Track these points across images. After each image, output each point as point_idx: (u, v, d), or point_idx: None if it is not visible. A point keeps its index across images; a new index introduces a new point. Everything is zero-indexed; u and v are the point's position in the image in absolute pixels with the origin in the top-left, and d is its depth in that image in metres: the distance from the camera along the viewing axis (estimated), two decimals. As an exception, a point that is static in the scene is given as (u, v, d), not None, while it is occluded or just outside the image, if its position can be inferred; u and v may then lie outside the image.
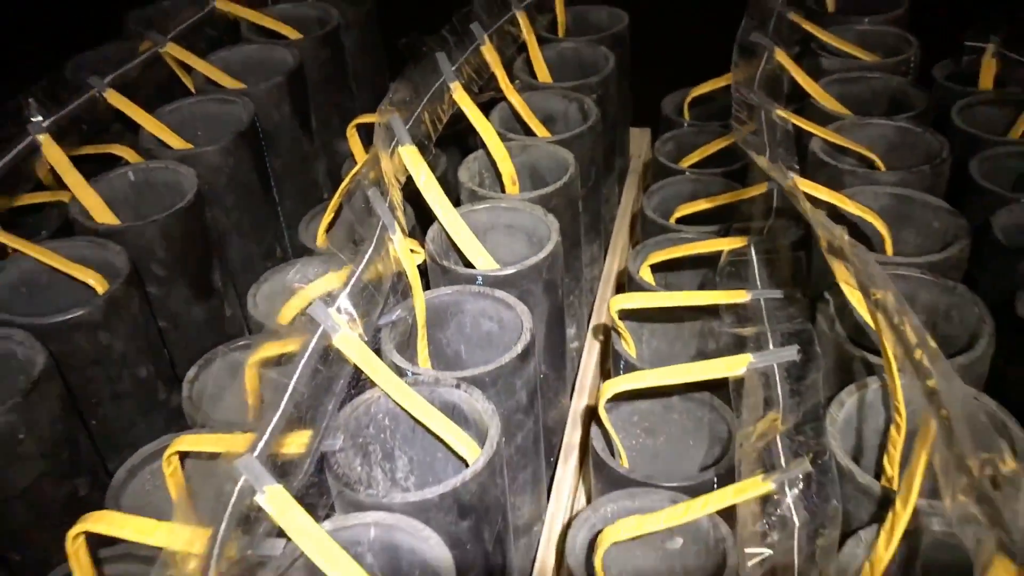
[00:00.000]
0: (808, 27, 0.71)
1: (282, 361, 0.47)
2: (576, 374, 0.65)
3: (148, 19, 0.79)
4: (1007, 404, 0.44)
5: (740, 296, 0.51)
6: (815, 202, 0.51)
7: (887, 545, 0.34)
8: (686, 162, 0.73)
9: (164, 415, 0.57)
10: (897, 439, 0.40)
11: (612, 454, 0.50)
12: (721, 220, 0.64)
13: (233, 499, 0.37)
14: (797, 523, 0.37)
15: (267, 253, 0.69)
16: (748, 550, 0.38)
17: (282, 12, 0.79)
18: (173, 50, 0.71)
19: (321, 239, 0.64)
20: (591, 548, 0.45)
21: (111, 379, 0.54)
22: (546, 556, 0.53)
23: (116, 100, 0.65)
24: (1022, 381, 0.53)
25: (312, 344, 0.43)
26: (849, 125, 0.62)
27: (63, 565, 0.42)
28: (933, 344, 0.34)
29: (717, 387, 0.51)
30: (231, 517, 0.36)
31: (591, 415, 0.53)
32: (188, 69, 0.72)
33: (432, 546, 0.39)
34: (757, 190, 0.61)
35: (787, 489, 0.39)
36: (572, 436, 0.61)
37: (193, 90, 0.72)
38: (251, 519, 0.37)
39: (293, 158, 0.72)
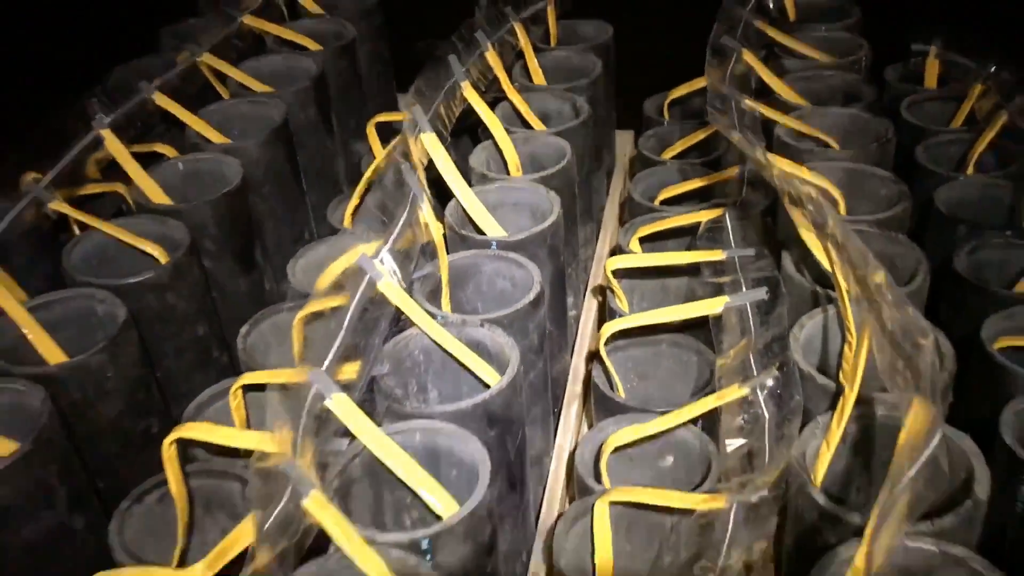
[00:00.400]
0: (772, 33, 0.80)
1: (328, 314, 0.56)
2: (575, 336, 0.74)
3: (180, 34, 0.88)
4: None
5: (718, 255, 0.60)
6: (779, 173, 0.60)
7: (838, 424, 0.43)
8: (667, 154, 0.82)
9: (216, 371, 0.65)
10: (849, 354, 0.49)
11: (611, 389, 0.59)
12: (699, 201, 0.73)
13: (307, 404, 0.45)
14: (767, 417, 0.46)
15: (297, 237, 0.77)
16: (728, 441, 0.47)
17: (303, 27, 0.88)
18: (209, 59, 0.79)
19: (348, 220, 0.73)
20: (596, 460, 0.53)
21: (174, 335, 0.62)
22: (555, 480, 0.62)
23: (163, 102, 0.73)
24: (958, 329, 0.61)
25: (361, 288, 0.51)
26: (808, 113, 0.71)
27: (155, 476, 0.50)
28: (872, 258, 0.42)
29: (702, 332, 0.60)
30: (307, 418, 0.44)
31: (592, 359, 0.62)
32: (221, 77, 0.81)
33: (470, 445, 0.47)
34: (731, 173, 0.71)
35: (759, 392, 0.47)
36: (574, 386, 0.69)
37: (225, 95, 0.81)
38: (321, 421, 0.45)
39: (317, 154, 0.81)
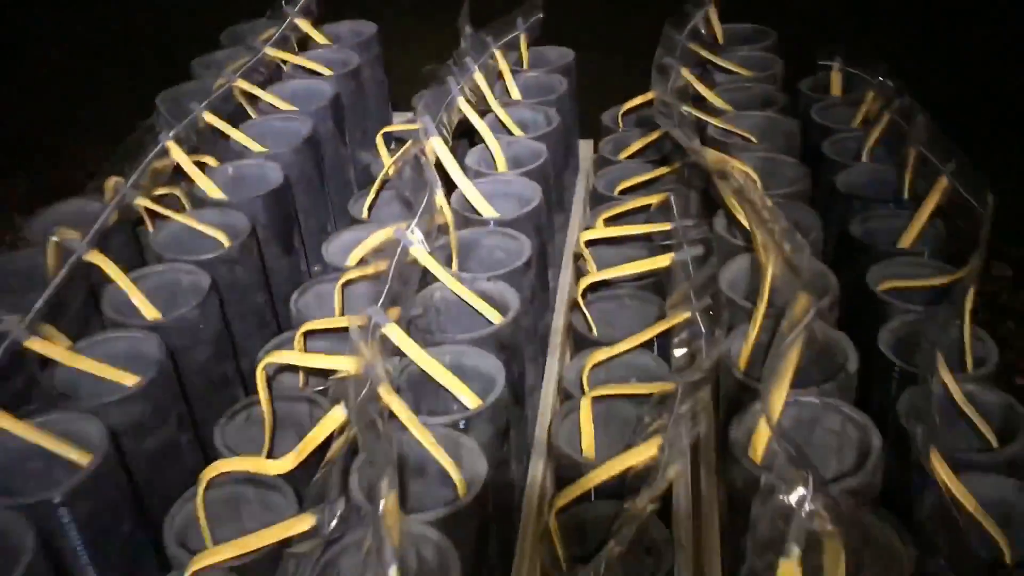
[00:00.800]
0: (704, 53, 0.99)
1: (361, 280, 0.72)
2: (554, 302, 0.91)
3: (209, 64, 1.04)
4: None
5: (666, 226, 0.78)
6: (711, 162, 0.77)
7: (754, 327, 0.60)
8: (623, 155, 0.99)
9: (270, 332, 0.81)
10: (760, 282, 0.66)
11: (587, 330, 0.76)
12: (651, 191, 0.90)
13: (370, 331, 0.61)
14: (703, 330, 0.63)
15: (321, 228, 0.93)
16: (676, 350, 0.64)
17: (315, 56, 1.04)
18: (242, 84, 0.95)
19: (365, 212, 0.89)
20: (579, 377, 0.70)
21: (240, 301, 0.77)
22: (545, 405, 0.78)
23: (211, 119, 0.89)
24: (853, 280, 0.79)
25: (399, 251, 0.68)
26: (733, 116, 0.89)
27: (248, 397, 0.66)
28: (777, 211, 0.60)
29: (658, 289, 0.77)
30: (371, 341, 0.61)
31: (571, 309, 0.79)
32: (250, 98, 0.97)
33: (488, 361, 0.64)
34: (674, 166, 0.88)
35: (697, 314, 0.64)
36: (555, 339, 0.86)
37: (253, 115, 0.97)
38: (381, 343, 0.61)
39: (334, 161, 0.97)
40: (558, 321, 0.89)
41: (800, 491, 0.42)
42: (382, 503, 0.48)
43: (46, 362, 0.66)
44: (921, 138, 0.82)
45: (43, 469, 0.61)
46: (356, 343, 0.59)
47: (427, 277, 0.71)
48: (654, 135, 0.97)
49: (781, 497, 0.43)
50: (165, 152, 0.84)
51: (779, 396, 0.52)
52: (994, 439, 0.60)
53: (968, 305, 0.66)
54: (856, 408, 0.55)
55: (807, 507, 0.42)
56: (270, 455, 0.65)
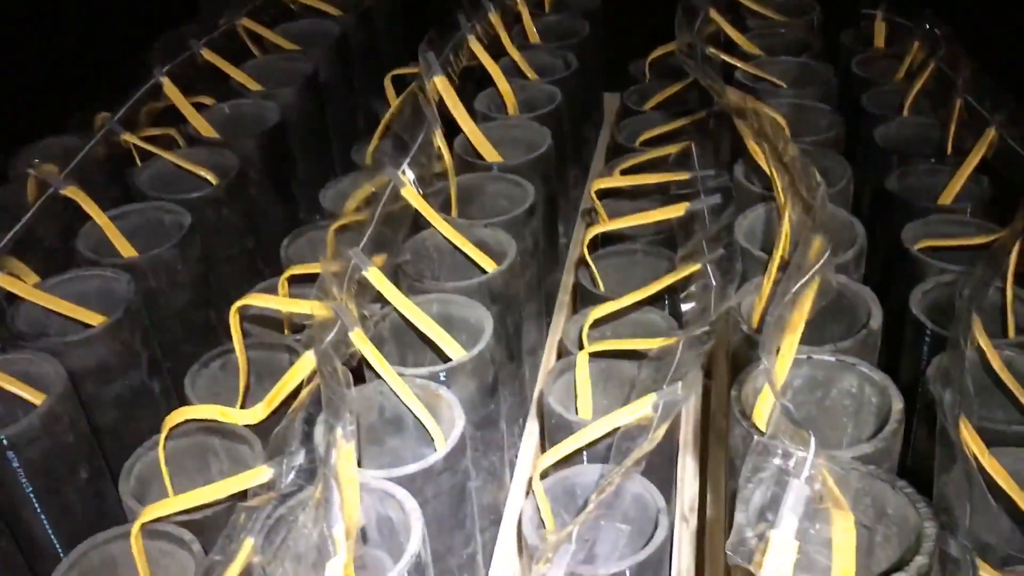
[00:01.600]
0: (735, -3, 0.92)
1: (355, 227, 0.67)
2: (566, 259, 0.85)
3: (218, 3, 0.99)
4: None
5: (683, 175, 0.72)
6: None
7: (768, 279, 0.55)
8: (647, 105, 0.93)
9: (258, 281, 0.76)
10: (778, 230, 0.60)
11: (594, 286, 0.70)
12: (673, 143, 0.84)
13: (348, 272, 0.56)
14: (714, 283, 0.57)
15: (324, 177, 0.88)
16: (685, 305, 0.58)
17: (326, -4, 0.99)
18: (247, 23, 0.91)
19: (369, 158, 0.84)
20: (580, 334, 0.64)
21: (226, 245, 0.73)
22: (547, 365, 0.73)
23: (210, 56, 0.85)
24: (889, 237, 0.73)
25: (387, 191, 0.63)
26: (763, 61, 0.83)
27: (223, 345, 0.61)
28: (799, 151, 0.54)
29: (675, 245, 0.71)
30: (348, 284, 0.56)
31: (579, 265, 0.73)
32: (255, 38, 0.92)
33: (477, 310, 0.59)
34: (699, 116, 0.82)
35: (709, 266, 0.59)
36: (563, 296, 0.81)
37: (258, 55, 0.92)
38: (360, 288, 0.57)
39: (340, 107, 0.92)
40: (568, 279, 0.84)
41: (799, 453, 0.37)
42: (333, 454, 0.43)
43: (13, 299, 0.62)
44: (968, 87, 0.75)
45: (2, 410, 0.58)
46: (327, 284, 0.54)
47: (422, 222, 0.66)
48: (680, 84, 0.91)
49: (776, 461, 0.38)
50: (159, 89, 0.79)
51: (785, 350, 0.46)
52: (1035, 411, 0.54)
53: (1012, 265, 0.60)
54: (875, 368, 0.49)
55: (807, 471, 0.36)
56: (244, 405, 0.61)
